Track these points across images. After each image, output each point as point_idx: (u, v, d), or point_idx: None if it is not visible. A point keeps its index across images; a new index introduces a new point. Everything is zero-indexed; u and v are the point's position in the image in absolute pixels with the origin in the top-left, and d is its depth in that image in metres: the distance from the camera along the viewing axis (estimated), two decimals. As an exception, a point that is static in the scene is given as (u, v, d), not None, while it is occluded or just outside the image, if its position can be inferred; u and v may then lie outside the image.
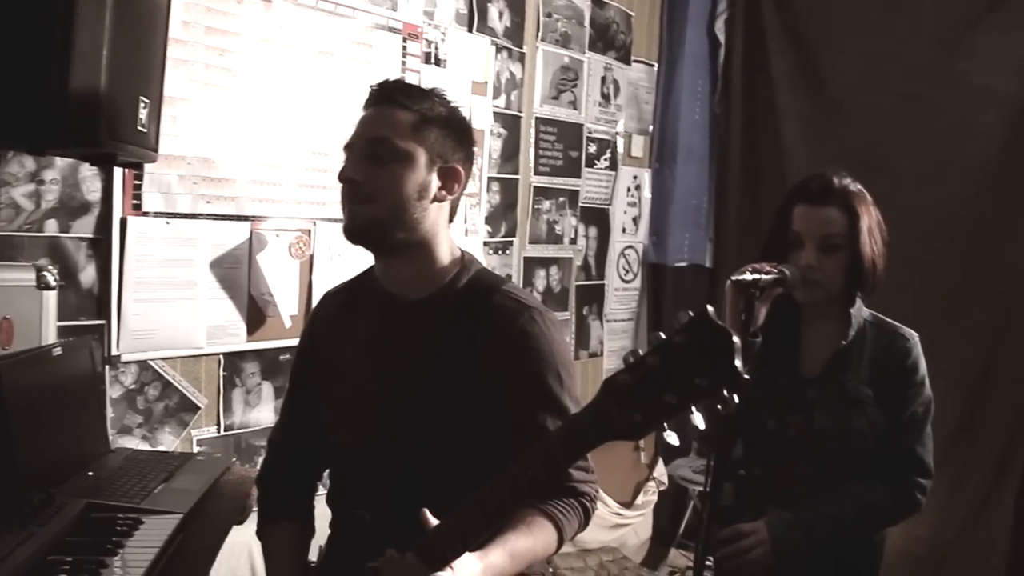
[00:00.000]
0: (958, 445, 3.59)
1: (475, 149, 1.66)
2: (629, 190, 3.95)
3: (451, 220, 1.63)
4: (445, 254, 1.60)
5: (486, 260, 3.23)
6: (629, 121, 3.91)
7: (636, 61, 3.91)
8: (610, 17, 3.74)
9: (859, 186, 2.03)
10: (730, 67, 4.08)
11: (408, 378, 1.56)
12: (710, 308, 1.12)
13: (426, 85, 1.65)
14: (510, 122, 3.30)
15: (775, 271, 1.84)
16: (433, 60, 2.95)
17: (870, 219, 1.99)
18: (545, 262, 3.54)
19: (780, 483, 2.02)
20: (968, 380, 3.56)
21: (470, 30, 3.08)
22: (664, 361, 1.13)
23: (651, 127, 4.04)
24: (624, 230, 3.95)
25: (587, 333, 3.78)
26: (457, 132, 1.59)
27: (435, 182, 1.55)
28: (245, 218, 2.49)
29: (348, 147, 1.57)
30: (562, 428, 1.25)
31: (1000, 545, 3.49)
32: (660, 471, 4.04)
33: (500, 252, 3.31)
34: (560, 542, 1.52)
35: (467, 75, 3.07)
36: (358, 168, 1.52)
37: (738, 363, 1.08)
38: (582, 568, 3.52)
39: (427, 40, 2.93)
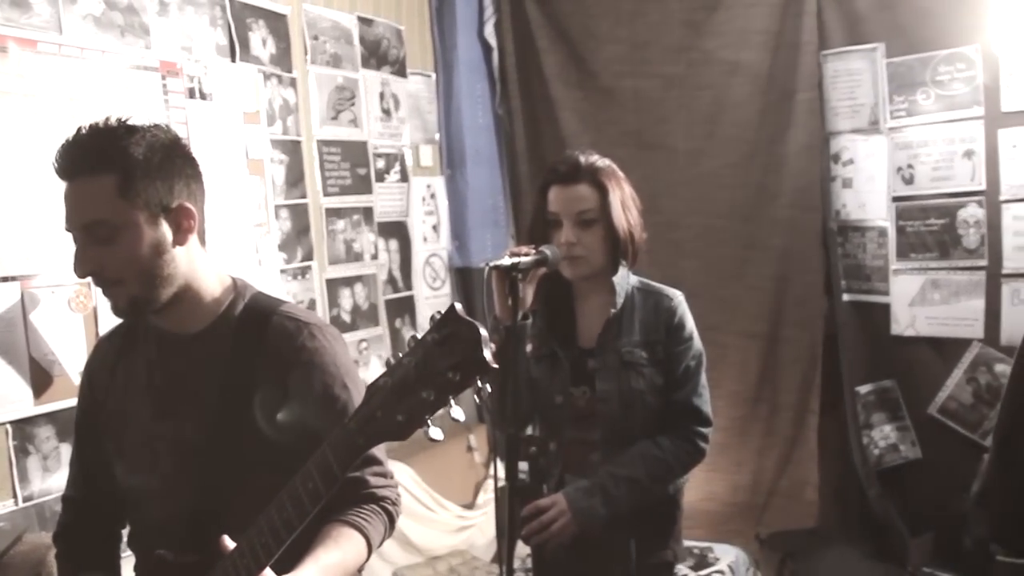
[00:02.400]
0: (763, 393, 3.86)
1: (193, 161, 1.56)
2: (424, 199, 4.01)
3: (203, 243, 1.59)
4: (213, 285, 1.59)
5: (285, 287, 3.22)
6: (414, 132, 3.97)
7: (413, 73, 3.98)
8: (380, 33, 3.79)
9: (608, 162, 2.15)
10: (505, 68, 4.22)
11: (195, 414, 1.55)
12: (457, 305, 1.19)
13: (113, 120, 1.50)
14: (290, 148, 3.30)
15: (534, 252, 1.93)
16: (198, 95, 2.91)
17: (621, 193, 2.12)
18: (349, 281, 3.56)
19: (575, 454, 2.12)
20: (761, 331, 3.83)
21: (233, 60, 3.06)
22: (419, 360, 1.18)
23: (437, 135, 4.12)
24: (425, 239, 4.01)
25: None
26: (166, 167, 1.49)
27: (167, 233, 1.50)
28: (13, 279, 2.38)
29: (69, 230, 1.49)
30: (331, 438, 1.28)
31: (811, 478, 3.77)
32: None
33: (299, 277, 3.30)
34: (369, 549, 1.54)
35: (237, 106, 3.05)
36: (88, 256, 1.46)
37: (486, 353, 1.14)
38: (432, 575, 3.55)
39: (188, 76, 2.89)
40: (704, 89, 3.85)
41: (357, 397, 1.54)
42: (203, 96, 2.93)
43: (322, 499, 1.29)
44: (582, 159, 2.11)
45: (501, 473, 4.04)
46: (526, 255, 1.91)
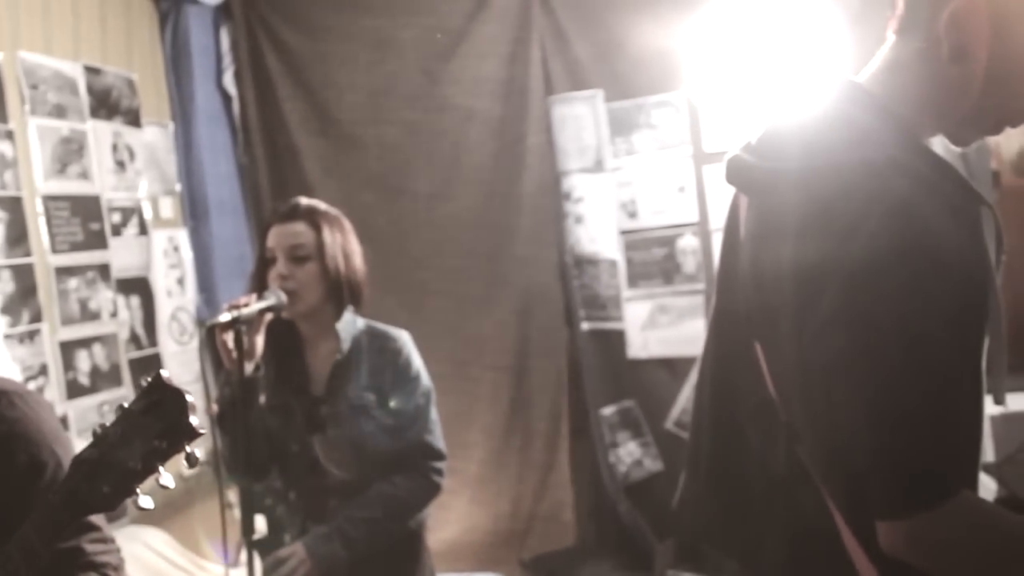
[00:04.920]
0: (516, 422, 4.01)
1: None
2: (167, 252, 3.89)
3: None
4: None
5: (12, 353, 3.02)
6: (153, 184, 3.85)
7: (148, 123, 3.87)
8: (109, 82, 3.67)
9: (333, 210, 2.23)
10: (246, 118, 4.19)
11: None
12: (164, 372, 1.21)
13: None
14: (11, 204, 3.11)
15: (255, 301, 1.96)
16: None
17: (340, 236, 2.19)
18: (86, 343, 3.39)
19: (315, 502, 2.15)
20: (509, 364, 3.98)
21: (-63, 115, 2.87)
22: (125, 429, 1.20)
23: (177, 187, 4.02)
24: (170, 293, 3.89)
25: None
26: None
27: None
28: None
29: None
30: (34, 514, 1.25)
31: (567, 500, 3.97)
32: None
33: (27, 342, 3.11)
34: None
35: (-58, 163, 2.86)
36: None
37: (193, 420, 1.18)
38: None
39: None
40: (442, 135, 3.99)
41: (67, 463, 1.50)
42: (-99, 154, 2.73)
43: None
44: (303, 202, 2.19)
45: (259, 523, 4.00)
46: (246, 305, 1.93)
